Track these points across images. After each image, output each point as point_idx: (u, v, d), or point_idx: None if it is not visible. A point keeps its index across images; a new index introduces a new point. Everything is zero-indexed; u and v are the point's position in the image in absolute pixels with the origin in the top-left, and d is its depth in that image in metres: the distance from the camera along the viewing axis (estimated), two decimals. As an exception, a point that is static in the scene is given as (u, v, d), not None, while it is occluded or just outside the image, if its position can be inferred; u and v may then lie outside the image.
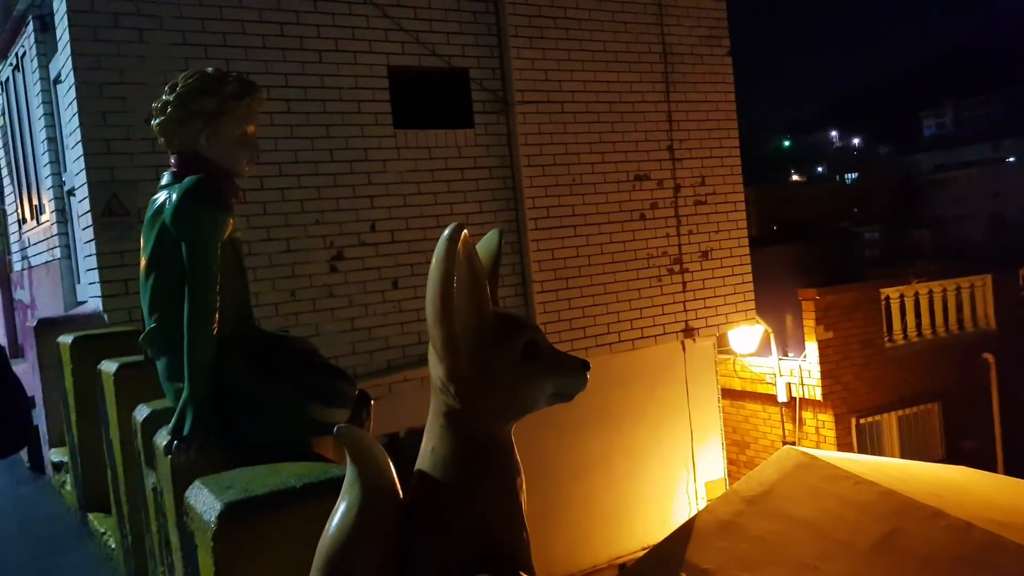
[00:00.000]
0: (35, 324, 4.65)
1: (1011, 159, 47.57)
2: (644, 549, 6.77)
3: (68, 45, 4.67)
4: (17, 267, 7.28)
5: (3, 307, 7.64)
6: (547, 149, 6.54)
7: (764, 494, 5.03)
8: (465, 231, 1.21)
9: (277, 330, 2.66)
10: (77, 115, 4.67)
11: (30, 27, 5.52)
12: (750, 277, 7.96)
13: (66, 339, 3.67)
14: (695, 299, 7.53)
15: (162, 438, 2.27)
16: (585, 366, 1.36)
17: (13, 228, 7.25)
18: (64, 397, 3.91)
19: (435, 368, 1.29)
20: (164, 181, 2.39)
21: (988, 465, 8.86)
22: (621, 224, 7.00)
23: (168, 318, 2.30)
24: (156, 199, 2.35)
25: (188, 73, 2.41)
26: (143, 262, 2.37)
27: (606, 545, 6.98)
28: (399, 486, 1.30)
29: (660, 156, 7.27)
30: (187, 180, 2.29)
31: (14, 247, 7.31)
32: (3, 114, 6.92)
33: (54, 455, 4.73)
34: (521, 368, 1.29)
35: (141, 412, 2.59)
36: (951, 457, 9.18)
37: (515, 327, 1.32)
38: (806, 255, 14.73)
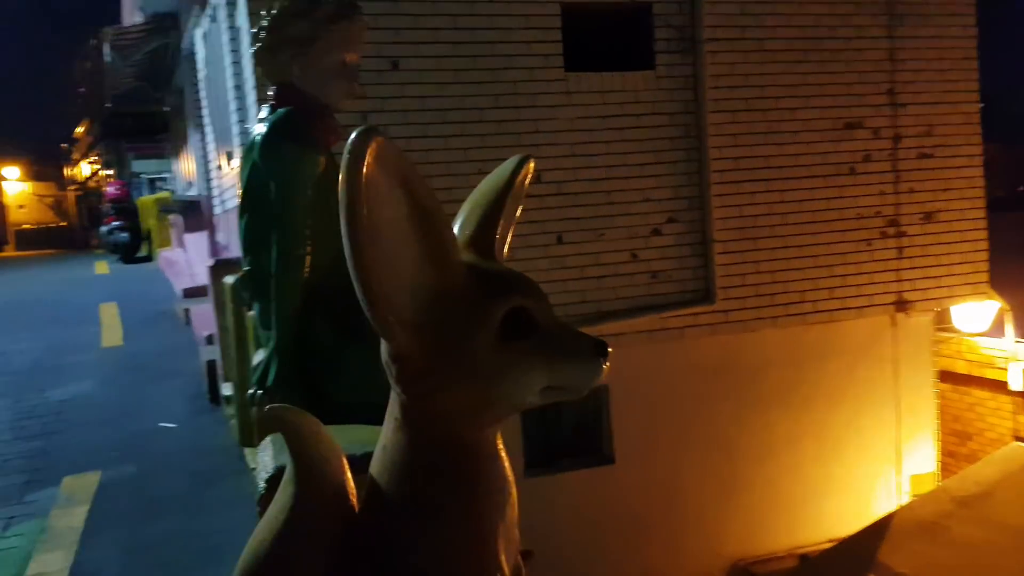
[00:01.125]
0: (212, 264, 4.84)
1: None
2: (831, 542, 6.09)
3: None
4: (217, 211, 7.76)
5: (209, 250, 8.23)
6: (739, 92, 5.85)
7: (980, 496, 4.30)
8: (380, 138, 0.81)
9: None
10: (254, 63, 4.72)
11: (219, -24, 5.70)
12: (985, 245, 6.76)
13: (230, 279, 3.75)
14: (912, 267, 6.52)
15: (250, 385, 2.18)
16: (599, 349, 0.93)
17: (214, 174, 7.73)
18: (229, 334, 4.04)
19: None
20: (261, 114, 2.21)
21: None
22: (825, 179, 6.16)
23: (259, 263, 2.15)
24: (251, 133, 2.19)
25: None
26: (238, 200, 2.23)
27: (787, 533, 6.33)
28: (353, 490, 0.95)
29: (877, 101, 6.29)
30: (275, 114, 2.11)
31: (215, 192, 7.79)
32: (207, 65, 7.32)
33: (225, 389, 4.96)
34: (499, 350, 0.88)
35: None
36: None
37: (495, 287, 0.92)
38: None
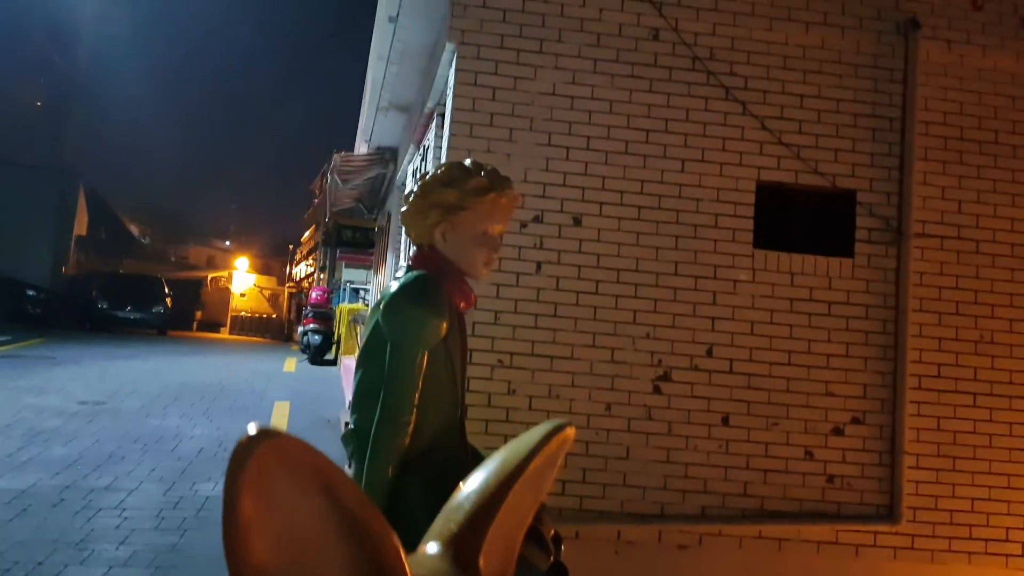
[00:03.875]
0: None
1: None
2: None
3: (448, 139, 5.01)
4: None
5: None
6: (947, 294, 5.35)
7: None
8: (277, 438, 0.59)
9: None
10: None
11: (435, 123, 6.13)
12: None
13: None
14: None
15: None
16: None
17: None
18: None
19: None
20: (399, 273, 2.24)
21: None
22: (1045, 403, 5.40)
23: (365, 420, 2.10)
24: (386, 289, 2.19)
25: (443, 163, 2.26)
26: (358, 355, 2.22)
27: None
28: None
29: (1115, 324, 5.52)
30: (408, 275, 2.13)
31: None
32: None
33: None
34: None
35: None
36: None
37: None
38: None
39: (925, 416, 5.28)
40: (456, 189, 2.19)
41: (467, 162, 2.28)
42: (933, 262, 5.33)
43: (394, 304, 2.08)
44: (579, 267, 5.01)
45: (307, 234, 36.01)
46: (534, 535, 2.08)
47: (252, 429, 0.57)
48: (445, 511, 0.78)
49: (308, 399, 11.41)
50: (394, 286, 2.13)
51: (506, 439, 3.94)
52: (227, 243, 47.50)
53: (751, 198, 5.19)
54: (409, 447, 2.02)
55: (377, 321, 2.13)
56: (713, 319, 5.10)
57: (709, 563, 5.03)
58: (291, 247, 46.37)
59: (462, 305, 2.22)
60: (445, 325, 2.08)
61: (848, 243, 5.33)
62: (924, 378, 5.29)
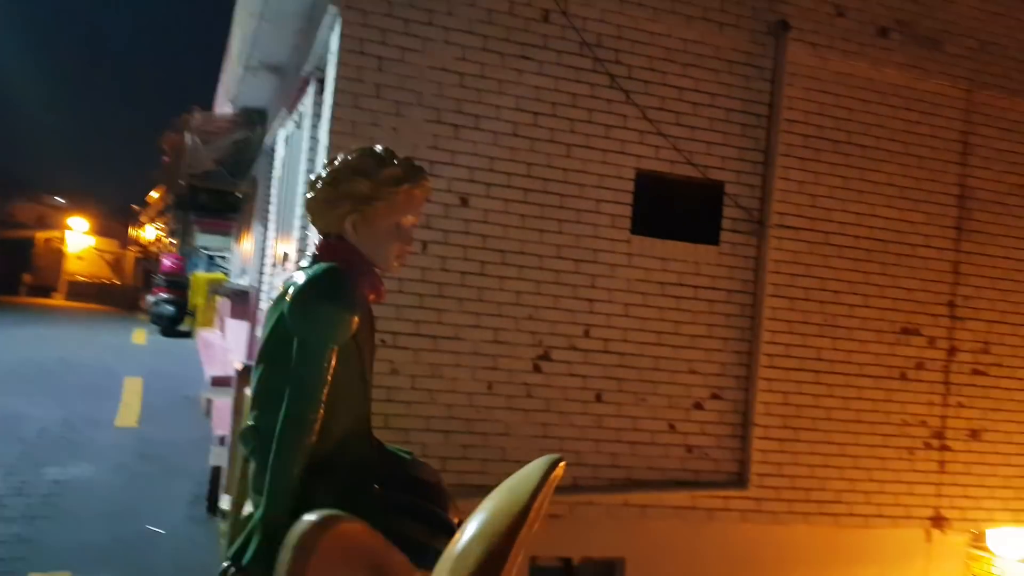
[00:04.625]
0: (239, 368, 4.79)
1: None
2: None
3: (331, 109, 4.90)
4: (262, 305, 7.84)
5: (247, 341, 8.25)
6: (799, 281, 5.82)
7: None
8: (339, 525, 0.63)
9: (403, 450, 2.29)
10: (323, 176, 4.85)
11: (312, 88, 5.95)
12: (1030, 471, 6.49)
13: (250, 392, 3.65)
14: (953, 484, 6.26)
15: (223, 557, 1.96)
16: None
17: (267, 269, 7.85)
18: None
19: None
20: (303, 263, 2.14)
21: None
22: (875, 380, 6.02)
23: (267, 419, 1.98)
24: (288, 281, 2.07)
25: (352, 149, 2.20)
26: (259, 349, 2.10)
27: None
28: None
29: (937, 311, 6.22)
30: (316, 268, 2.01)
31: (264, 286, 7.90)
32: (283, 165, 7.59)
33: (224, 502, 4.75)
34: None
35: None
36: None
37: None
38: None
39: (774, 392, 5.75)
40: (369, 179, 2.11)
41: (379, 149, 2.20)
42: (788, 251, 5.78)
43: (302, 298, 1.95)
44: (465, 247, 5.07)
45: (155, 195, 33.77)
46: (444, 525, 2.11)
47: (314, 517, 0.60)
48: (448, 559, 0.82)
49: (163, 375, 10.85)
50: (300, 278, 2.00)
51: (387, 419, 3.99)
52: (61, 200, 43.86)
53: (630, 185, 5.43)
54: (316, 447, 1.93)
55: (281, 315, 2.00)
56: (591, 301, 5.31)
57: (580, 530, 5.29)
58: (136, 208, 43.42)
59: (372, 297, 2.15)
60: (356, 320, 1.98)
61: (715, 231, 5.69)
62: (775, 357, 5.76)
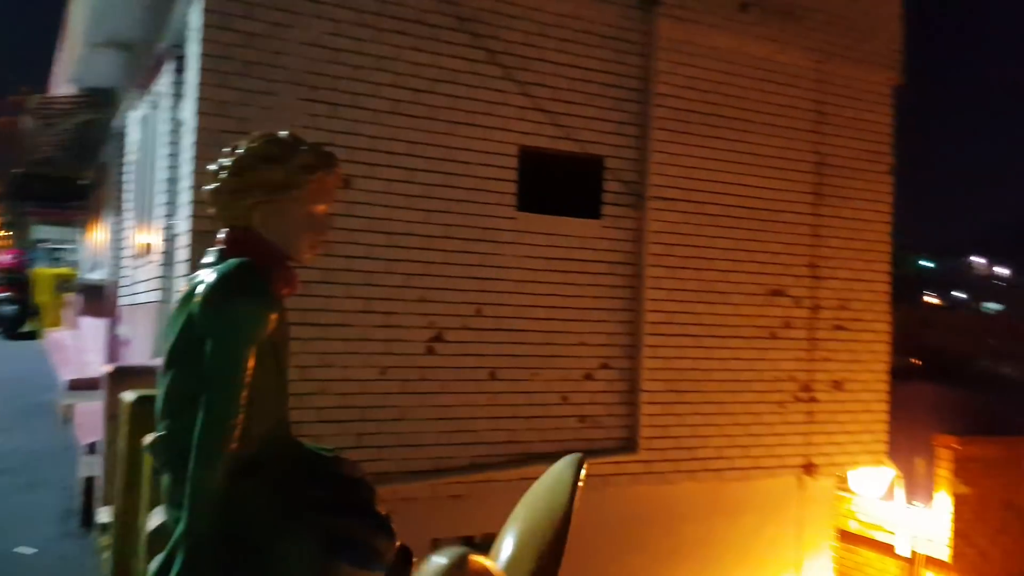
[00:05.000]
0: (111, 370, 4.44)
1: None
2: None
3: (196, 88, 4.59)
4: (124, 301, 7.32)
5: (106, 341, 7.69)
6: (677, 250, 6.03)
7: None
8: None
9: (323, 448, 2.19)
10: (192, 160, 4.55)
11: (170, 67, 5.56)
12: (885, 416, 7.07)
13: (130, 396, 3.37)
14: (820, 432, 6.72)
15: None
16: None
17: (127, 262, 7.33)
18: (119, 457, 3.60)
19: None
20: (208, 259, 1.97)
21: None
22: (748, 340, 6.34)
23: (180, 427, 1.85)
24: (194, 279, 1.93)
25: (254, 135, 2.06)
26: (164, 354, 1.95)
27: None
28: None
29: (800, 272, 6.61)
30: (227, 264, 1.88)
31: (124, 280, 7.37)
32: (139, 149, 7.08)
33: (102, 514, 4.41)
34: None
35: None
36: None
37: None
38: (948, 394, 13.37)
39: (659, 358, 5.96)
40: (280, 167, 1.98)
41: (283, 135, 2.06)
42: (666, 222, 5.97)
43: (215, 297, 1.84)
44: (351, 231, 4.90)
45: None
46: (379, 521, 2.05)
47: (445, 560, 0.59)
48: (514, 545, 0.79)
49: (10, 380, 9.98)
50: (209, 276, 1.88)
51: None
52: None
53: (514, 162, 5.42)
54: (238, 452, 1.82)
55: (189, 315, 1.88)
56: (482, 280, 5.28)
57: (480, 509, 5.28)
58: (-44, 198, 39.50)
59: (286, 292, 2.02)
60: (274, 317, 1.89)
61: (597, 205, 5.78)
62: (658, 324, 5.95)
